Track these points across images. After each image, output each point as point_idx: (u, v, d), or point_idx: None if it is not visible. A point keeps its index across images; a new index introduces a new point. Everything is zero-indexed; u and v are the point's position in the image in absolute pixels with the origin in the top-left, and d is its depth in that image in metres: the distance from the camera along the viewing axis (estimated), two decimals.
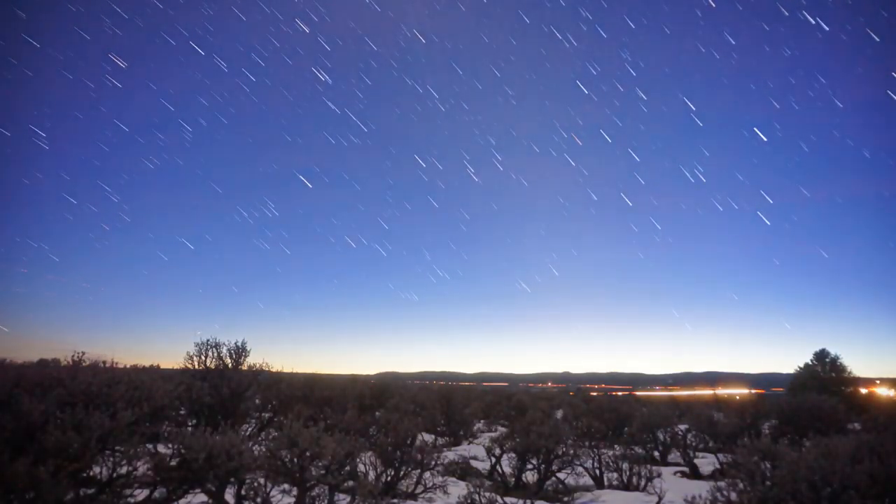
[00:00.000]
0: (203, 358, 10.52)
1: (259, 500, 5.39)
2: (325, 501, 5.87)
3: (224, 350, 10.66)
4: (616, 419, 16.31)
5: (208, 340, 10.67)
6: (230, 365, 10.51)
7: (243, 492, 5.45)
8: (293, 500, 5.80)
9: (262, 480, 5.52)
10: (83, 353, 7.85)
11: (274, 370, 11.39)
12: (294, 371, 13.10)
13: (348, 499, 6.12)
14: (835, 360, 21.66)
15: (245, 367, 10.51)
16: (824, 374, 20.92)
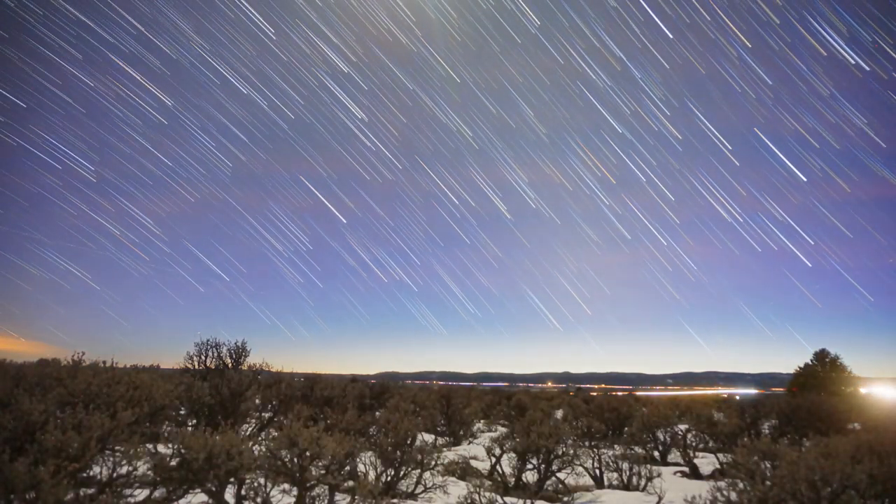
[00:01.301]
0: (203, 358, 10.54)
1: (259, 500, 5.39)
2: (325, 501, 5.87)
3: (224, 350, 10.68)
4: (616, 419, 16.31)
5: (208, 340, 10.69)
6: (230, 365, 10.52)
7: (243, 492, 5.45)
8: (293, 500, 5.80)
9: (262, 480, 5.52)
10: (83, 353, 7.86)
11: (274, 370, 11.41)
12: (294, 371, 13.12)
13: (348, 499, 6.12)
14: (835, 359, 21.68)
15: (245, 367, 10.53)
16: (824, 374, 20.93)
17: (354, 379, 28.28)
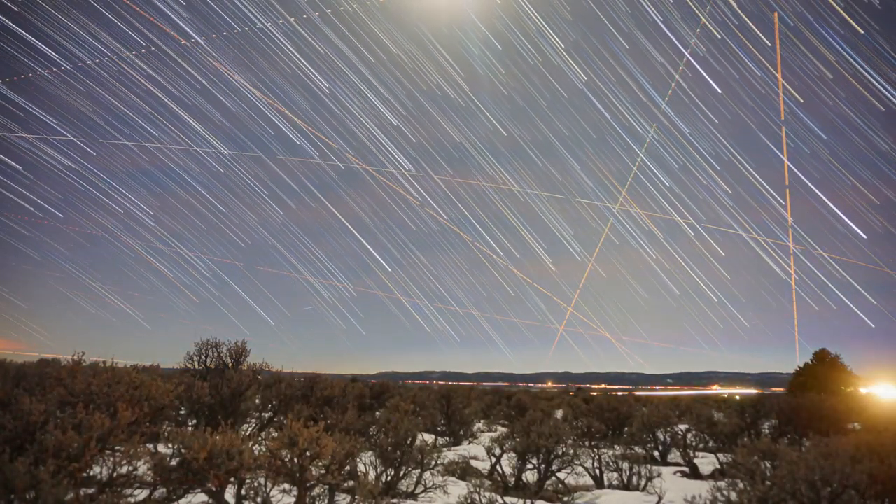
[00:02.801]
0: (203, 358, 10.53)
1: (259, 500, 5.39)
2: (325, 501, 5.87)
3: (224, 350, 10.67)
4: (616, 419, 16.31)
5: (208, 340, 10.69)
6: (230, 365, 10.52)
7: (243, 492, 5.45)
8: (293, 500, 5.80)
9: (262, 480, 5.52)
10: (83, 353, 7.85)
11: (274, 370, 11.40)
12: (294, 371, 13.12)
13: (348, 499, 6.13)
14: (835, 359, 21.67)
15: (245, 367, 10.52)
16: (824, 374, 20.92)
17: (354, 379, 28.30)
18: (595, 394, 33.07)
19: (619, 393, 34.50)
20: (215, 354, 10.57)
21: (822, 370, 21.26)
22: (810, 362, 22.07)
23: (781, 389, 33.20)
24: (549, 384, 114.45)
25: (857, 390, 20.72)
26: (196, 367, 10.42)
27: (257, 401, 11.94)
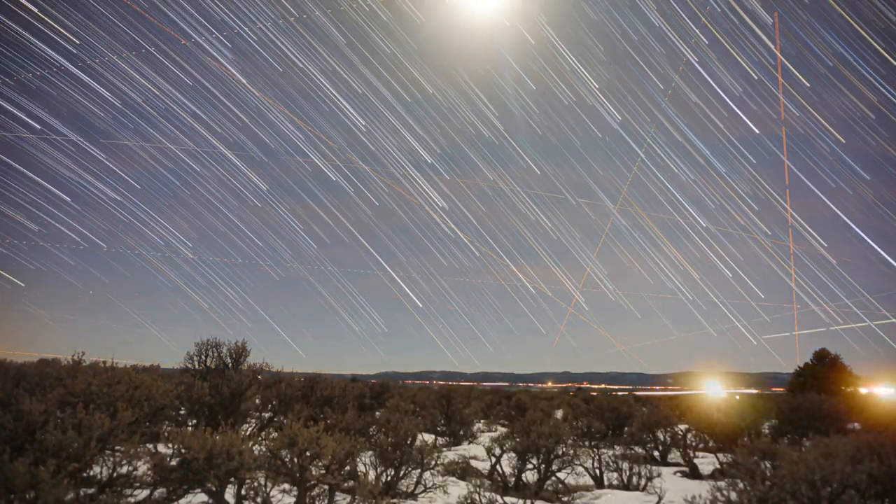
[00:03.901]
0: (203, 358, 10.53)
1: (259, 500, 5.39)
2: (325, 501, 5.87)
3: (224, 350, 10.67)
4: (616, 419, 16.31)
5: (208, 340, 10.68)
6: (230, 365, 10.52)
7: (243, 492, 5.45)
8: (293, 500, 5.80)
9: (262, 480, 5.52)
10: (83, 353, 7.85)
11: (274, 370, 11.40)
12: (294, 371, 13.12)
13: (348, 499, 6.12)
14: (835, 359, 21.67)
15: (245, 367, 10.52)
16: (824, 374, 20.92)
17: (354, 379, 28.31)
18: (595, 394, 33.07)
19: (619, 393, 34.52)
20: (215, 354, 10.56)
21: (822, 370, 21.26)
22: (810, 362, 22.07)
23: (781, 389, 33.21)
24: (549, 384, 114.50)
25: (857, 390, 20.72)
26: (196, 367, 10.41)
27: (257, 401, 11.94)
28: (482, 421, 21.45)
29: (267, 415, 12.04)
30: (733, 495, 4.70)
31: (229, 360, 10.55)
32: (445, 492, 7.72)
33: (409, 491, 7.67)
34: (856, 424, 14.09)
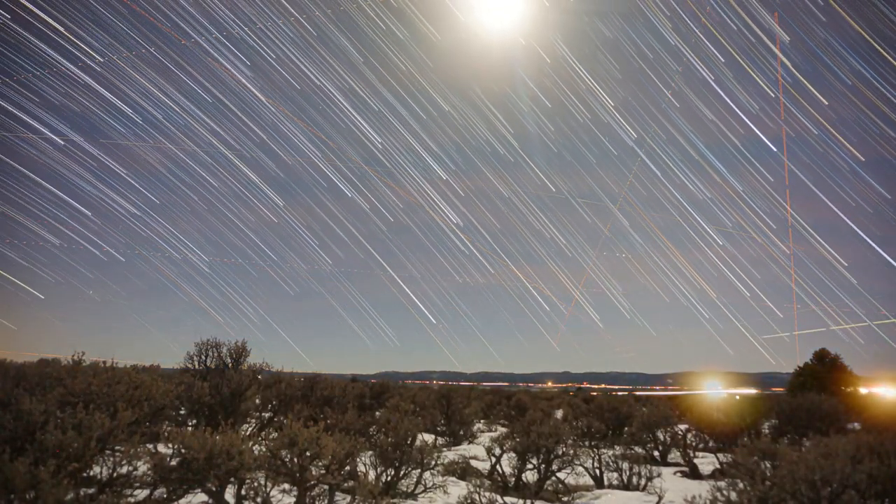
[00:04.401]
0: (203, 358, 10.52)
1: (259, 500, 5.39)
2: (325, 501, 5.87)
3: (224, 350, 10.66)
4: (616, 419, 16.31)
5: (208, 340, 10.68)
6: (230, 365, 10.52)
7: (243, 492, 5.45)
8: (293, 500, 5.80)
9: (262, 480, 5.52)
10: (83, 353, 7.85)
11: (274, 370, 11.40)
12: (294, 371, 13.12)
13: (348, 499, 6.12)
14: (835, 359, 21.67)
15: (245, 367, 10.52)
16: (824, 374, 20.92)
17: (354, 379, 28.30)
18: (595, 394, 33.07)
19: (619, 393, 34.51)
20: (215, 354, 10.56)
21: (822, 370, 21.26)
22: (810, 362, 22.07)
23: (781, 389, 33.21)
24: (549, 384, 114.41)
25: (857, 390, 20.72)
26: (196, 367, 10.41)
27: (257, 401, 11.94)
28: (482, 421, 21.45)
29: (267, 415, 12.04)
30: (733, 495, 4.70)
31: (229, 360, 10.55)
32: (445, 492, 7.72)
33: (409, 491, 7.67)
34: (856, 424, 14.09)
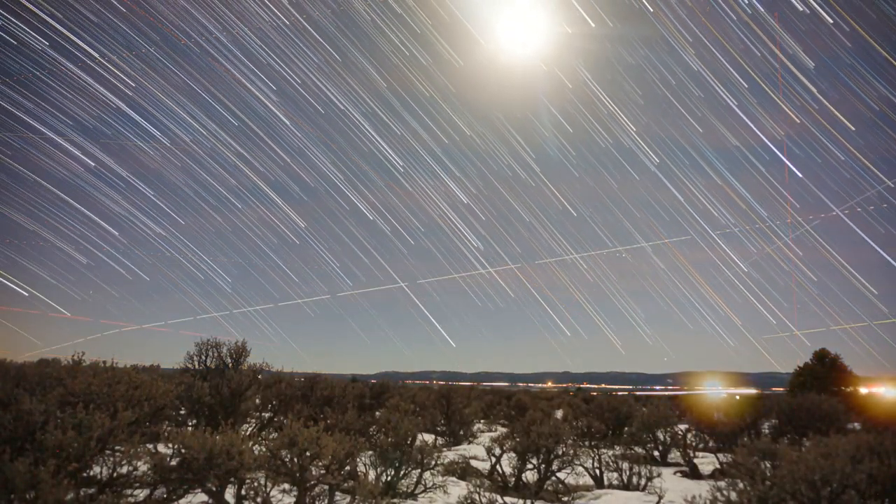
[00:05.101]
0: (203, 358, 10.52)
1: (259, 500, 5.39)
2: (325, 501, 5.87)
3: (224, 350, 10.66)
4: (616, 419, 16.31)
5: (208, 340, 10.68)
6: (230, 365, 10.52)
7: (243, 492, 5.45)
8: (293, 500, 5.80)
9: (262, 480, 5.52)
10: (83, 353, 7.85)
11: (274, 370, 11.40)
12: (294, 371, 13.12)
13: (348, 499, 6.12)
14: (835, 359, 21.66)
15: (245, 367, 10.51)
16: (824, 374, 20.91)
17: (354, 379, 28.29)
18: (595, 394, 33.06)
19: (619, 393, 34.50)
20: (215, 354, 10.56)
21: (822, 370, 21.24)
22: (810, 362, 22.05)
23: (781, 389, 33.18)
24: (549, 384, 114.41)
25: (857, 390, 20.71)
26: (196, 367, 10.41)
27: (257, 401, 11.94)
28: (482, 421, 21.45)
29: (267, 415, 12.04)
30: (733, 495, 4.70)
31: (229, 360, 10.55)
32: (445, 492, 7.72)
33: (409, 491, 7.67)
34: (856, 424, 14.09)
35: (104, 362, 7.81)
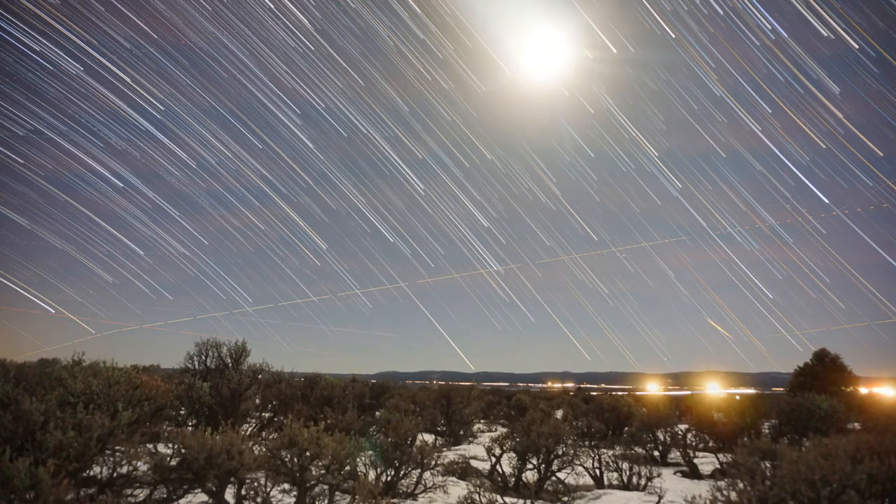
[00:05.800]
0: (203, 358, 10.52)
1: (259, 500, 5.39)
2: (325, 501, 5.87)
3: (224, 350, 10.66)
4: (616, 419, 16.31)
5: (208, 340, 10.68)
6: (230, 365, 10.52)
7: (243, 492, 5.45)
8: (293, 500, 5.80)
9: (262, 480, 5.52)
10: (83, 353, 7.85)
11: (274, 370, 11.40)
12: (294, 371, 13.12)
13: (348, 499, 6.12)
14: (835, 359, 21.65)
15: (245, 367, 10.51)
16: (824, 374, 20.90)
17: (354, 379, 28.27)
18: (595, 394, 33.06)
19: (619, 393, 34.49)
20: (215, 354, 10.56)
21: (822, 370, 21.24)
22: (810, 362, 22.05)
23: (781, 389, 33.19)
24: (550, 384, 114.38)
25: (857, 390, 20.70)
26: (196, 367, 10.41)
27: (257, 401, 11.94)
28: (482, 421, 21.44)
29: (267, 415, 12.04)
30: (733, 495, 4.70)
31: (229, 360, 10.55)
32: (445, 492, 7.71)
33: (409, 491, 7.67)
34: (856, 424, 14.09)
35: (104, 362, 7.81)
